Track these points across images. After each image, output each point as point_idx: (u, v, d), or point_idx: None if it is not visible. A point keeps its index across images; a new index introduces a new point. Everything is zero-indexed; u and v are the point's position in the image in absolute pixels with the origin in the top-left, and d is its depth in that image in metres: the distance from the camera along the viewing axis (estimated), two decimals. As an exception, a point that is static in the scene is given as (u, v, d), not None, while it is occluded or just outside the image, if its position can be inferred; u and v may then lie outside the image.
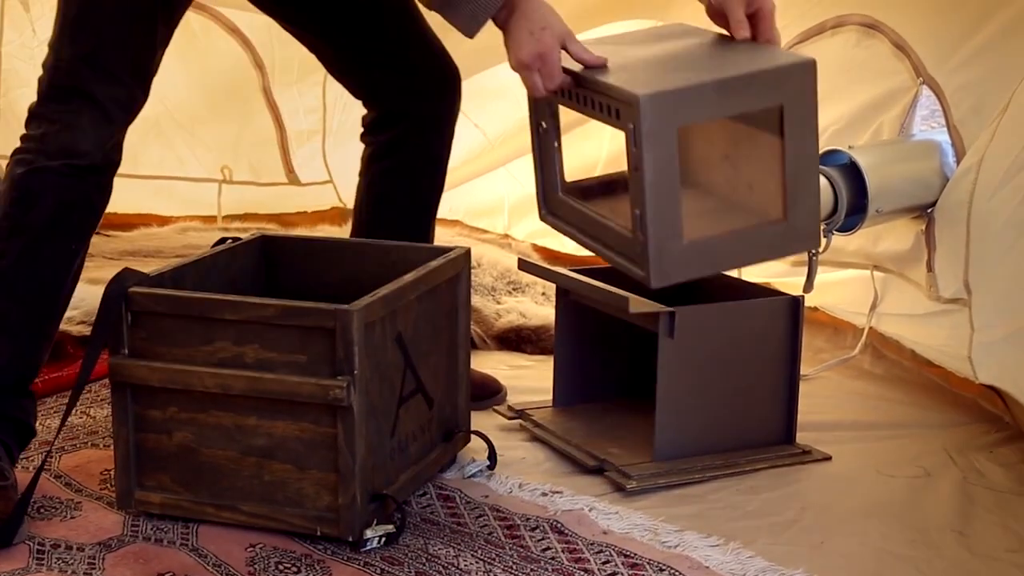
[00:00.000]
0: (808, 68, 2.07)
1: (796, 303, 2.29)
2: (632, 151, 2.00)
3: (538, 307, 3.10)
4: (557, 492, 2.09)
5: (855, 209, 2.45)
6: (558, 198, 2.31)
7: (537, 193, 2.35)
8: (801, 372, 2.34)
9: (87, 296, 2.81)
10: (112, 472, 2.09)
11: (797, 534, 1.99)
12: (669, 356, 2.19)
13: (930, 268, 2.50)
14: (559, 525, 1.96)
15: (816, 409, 2.46)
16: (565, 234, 2.32)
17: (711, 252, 2.10)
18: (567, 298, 2.44)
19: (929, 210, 2.51)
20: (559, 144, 2.27)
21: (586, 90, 2.11)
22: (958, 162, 2.46)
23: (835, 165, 2.45)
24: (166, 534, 1.91)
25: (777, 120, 2.07)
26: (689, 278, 2.12)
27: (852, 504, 2.11)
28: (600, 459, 2.23)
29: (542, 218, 2.35)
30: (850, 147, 2.48)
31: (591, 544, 1.91)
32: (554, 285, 3.11)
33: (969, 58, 2.49)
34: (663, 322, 2.17)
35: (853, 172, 2.44)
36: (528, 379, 2.68)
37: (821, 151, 2.34)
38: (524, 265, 2.50)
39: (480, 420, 2.37)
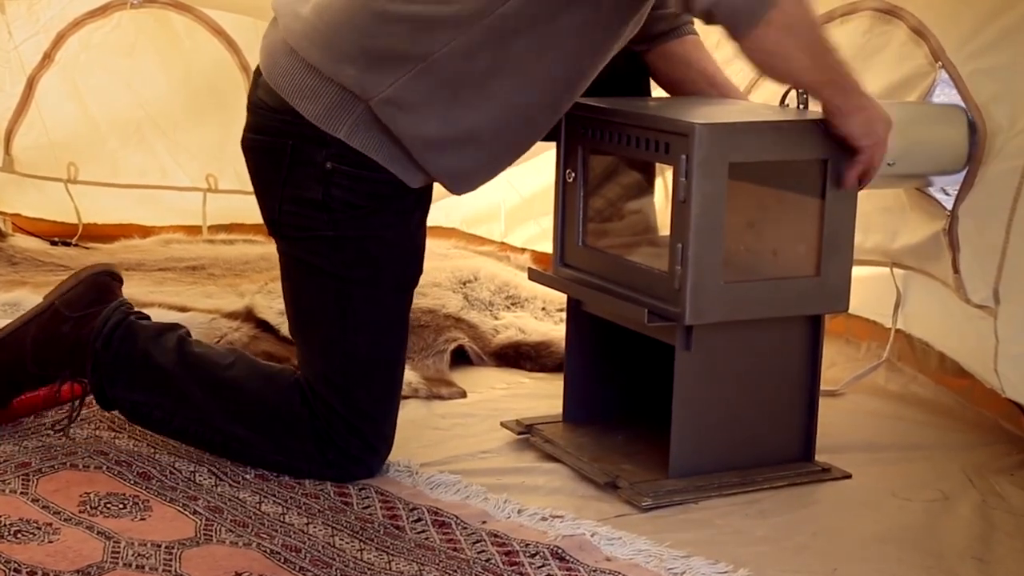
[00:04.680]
0: None
1: (816, 317, 2.31)
2: (680, 182, 2.12)
3: (538, 323, 3.10)
4: (558, 516, 2.09)
5: None
6: (576, 250, 2.40)
7: (554, 246, 2.44)
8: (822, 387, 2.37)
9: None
10: (91, 495, 2.11)
11: (809, 560, 1.99)
12: (686, 370, 2.21)
13: (956, 270, 2.51)
14: (560, 551, 1.97)
15: (828, 429, 2.46)
16: (576, 286, 2.39)
17: (744, 298, 2.22)
18: (578, 310, 2.46)
19: (950, 209, 2.52)
20: (584, 194, 2.38)
21: (628, 127, 2.23)
22: (978, 142, 2.45)
23: None
24: (148, 560, 1.91)
25: (818, 177, 2.21)
26: (721, 319, 2.19)
27: (866, 529, 2.11)
28: (613, 475, 2.24)
29: (555, 272, 2.44)
30: None
31: (594, 571, 1.91)
32: (554, 300, 3.14)
33: (993, 42, 2.49)
34: (680, 335, 2.19)
35: None
36: (528, 398, 2.69)
37: None
38: (535, 275, 2.52)
39: (490, 435, 2.39)
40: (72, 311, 2.31)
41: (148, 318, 2.36)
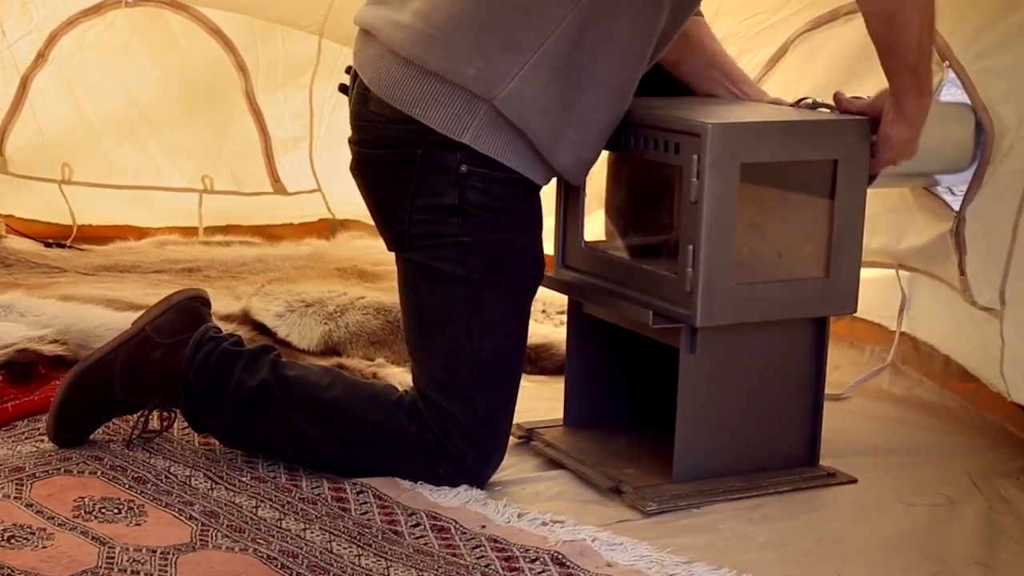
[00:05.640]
0: (864, 125, 2.24)
1: (821, 320, 2.31)
2: (692, 183, 2.12)
3: (538, 325, 3.11)
4: (558, 522, 2.09)
5: None
6: (578, 251, 2.41)
7: (556, 247, 2.45)
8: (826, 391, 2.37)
9: (60, 314, 2.82)
10: (86, 500, 2.11)
11: (812, 566, 1.99)
12: (690, 373, 2.22)
13: (962, 271, 2.51)
14: (560, 557, 1.97)
15: (832, 433, 2.46)
16: (578, 288, 2.41)
17: (755, 299, 2.23)
18: (579, 312, 2.46)
19: (957, 210, 2.52)
20: (584, 196, 2.39)
21: (637, 127, 2.24)
22: (985, 142, 2.46)
23: None
24: (143, 566, 1.92)
25: (827, 177, 2.22)
26: (731, 321, 2.20)
27: (870, 534, 2.11)
28: (617, 480, 2.25)
29: (556, 273, 2.45)
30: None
31: (594, 577, 1.92)
32: (554, 302, 3.14)
33: (1000, 42, 2.49)
34: (685, 338, 2.20)
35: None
36: (527, 400, 2.68)
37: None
38: None
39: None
40: (163, 337, 2.32)
41: (240, 341, 2.35)
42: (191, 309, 2.37)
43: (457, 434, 2.20)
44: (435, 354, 2.23)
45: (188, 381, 2.27)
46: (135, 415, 2.38)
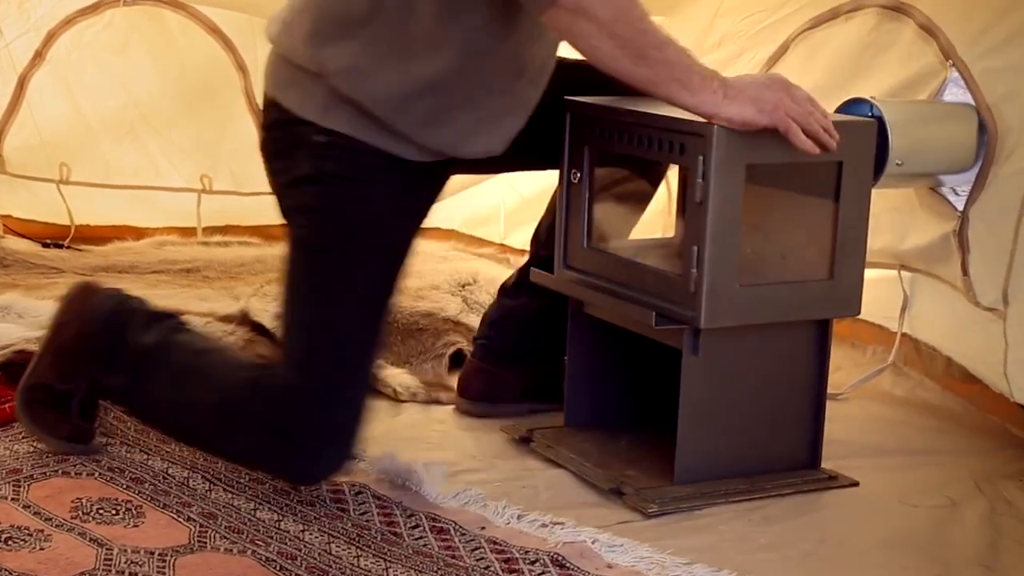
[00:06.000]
0: (870, 127, 2.25)
1: (824, 322, 2.31)
2: (698, 183, 2.12)
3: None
4: (558, 523, 2.09)
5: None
6: (581, 252, 2.40)
7: (557, 248, 2.44)
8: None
9: (57, 314, 2.82)
10: (83, 501, 2.11)
11: (814, 567, 2.00)
12: (692, 375, 2.22)
13: (965, 272, 2.51)
14: (560, 558, 1.97)
15: (833, 434, 2.46)
16: (581, 288, 2.39)
17: (759, 301, 2.23)
18: (580, 312, 2.46)
19: (961, 210, 2.53)
20: (590, 195, 2.37)
21: (640, 127, 2.23)
22: (989, 142, 2.46)
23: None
24: (141, 568, 1.92)
25: (832, 179, 2.22)
26: (736, 323, 2.20)
27: (872, 535, 2.11)
28: (618, 482, 2.25)
29: (558, 274, 2.44)
30: (872, 97, 2.47)
31: (594, 579, 1.92)
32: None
33: (1004, 40, 2.49)
34: (687, 339, 2.20)
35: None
36: (527, 402, 2.70)
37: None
38: (537, 277, 2.52)
39: (489, 440, 2.39)
40: (71, 317, 2.31)
41: (143, 301, 2.36)
42: (80, 287, 2.37)
43: (294, 406, 2.11)
44: (286, 325, 2.21)
45: (90, 336, 2.29)
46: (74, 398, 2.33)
